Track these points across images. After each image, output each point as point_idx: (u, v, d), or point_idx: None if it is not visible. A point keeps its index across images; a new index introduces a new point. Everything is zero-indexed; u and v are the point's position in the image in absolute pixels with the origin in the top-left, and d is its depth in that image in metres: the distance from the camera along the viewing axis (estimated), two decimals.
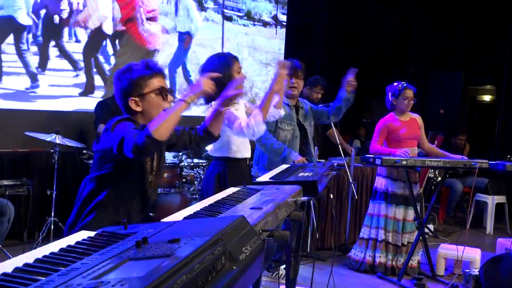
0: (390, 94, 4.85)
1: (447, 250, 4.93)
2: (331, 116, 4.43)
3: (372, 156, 4.56)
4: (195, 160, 5.23)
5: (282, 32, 8.37)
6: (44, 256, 1.12)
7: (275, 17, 8.25)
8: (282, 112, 3.53)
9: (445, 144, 7.27)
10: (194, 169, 5.15)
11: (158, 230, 1.34)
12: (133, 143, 2.01)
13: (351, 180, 5.19)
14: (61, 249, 1.19)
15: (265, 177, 2.91)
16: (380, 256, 4.82)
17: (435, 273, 4.82)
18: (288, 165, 3.37)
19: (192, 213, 1.84)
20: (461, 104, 9.73)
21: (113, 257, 1.08)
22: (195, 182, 5.14)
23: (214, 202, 2.07)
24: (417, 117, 4.95)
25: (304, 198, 2.34)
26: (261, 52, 8.01)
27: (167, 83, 2.43)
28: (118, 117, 2.24)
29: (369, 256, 4.86)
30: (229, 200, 2.10)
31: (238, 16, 7.69)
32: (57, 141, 4.73)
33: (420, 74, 9.82)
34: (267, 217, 1.78)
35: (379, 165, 4.53)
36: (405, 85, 4.78)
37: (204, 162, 5.20)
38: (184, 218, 1.75)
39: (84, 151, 5.13)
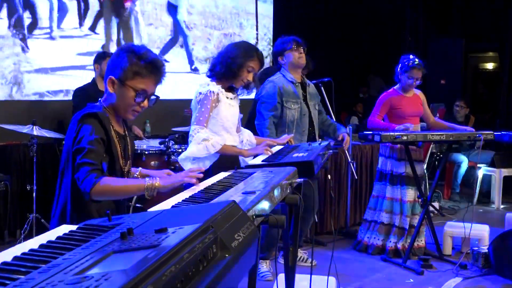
0: (399, 66, 4.80)
1: (453, 228, 4.97)
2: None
3: (371, 132, 4.55)
4: (184, 146, 5.20)
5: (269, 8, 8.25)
6: (23, 254, 1.12)
7: None
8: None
9: (448, 116, 7.29)
10: None
11: (145, 220, 1.34)
12: (80, 186, 2.06)
13: (349, 160, 5.18)
14: (41, 245, 1.18)
15: (257, 160, 2.91)
16: (382, 240, 4.86)
17: (442, 252, 4.86)
18: (282, 146, 3.37)
19: (180, 201, 1.84)
20: (462, 73, 9.70)
21: (96, 250, 1.07)
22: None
23: (204, 188, 2.07)
24: (419, 93, 4.96)
25: (299, 180, 2.34)
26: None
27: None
28: (88, 110, 2.19)
29: (375, 239, 4.90)
30: (220, 185, 2.10)
31: None
32: (35, 133, 4.68)
33: (418, 42, 9.78)
34: (260, 201, 1.78)
35: (378, 142, 4.53)
36: (415, 63, 4.69)
37: None
38: (172, 206, 1.75)
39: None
